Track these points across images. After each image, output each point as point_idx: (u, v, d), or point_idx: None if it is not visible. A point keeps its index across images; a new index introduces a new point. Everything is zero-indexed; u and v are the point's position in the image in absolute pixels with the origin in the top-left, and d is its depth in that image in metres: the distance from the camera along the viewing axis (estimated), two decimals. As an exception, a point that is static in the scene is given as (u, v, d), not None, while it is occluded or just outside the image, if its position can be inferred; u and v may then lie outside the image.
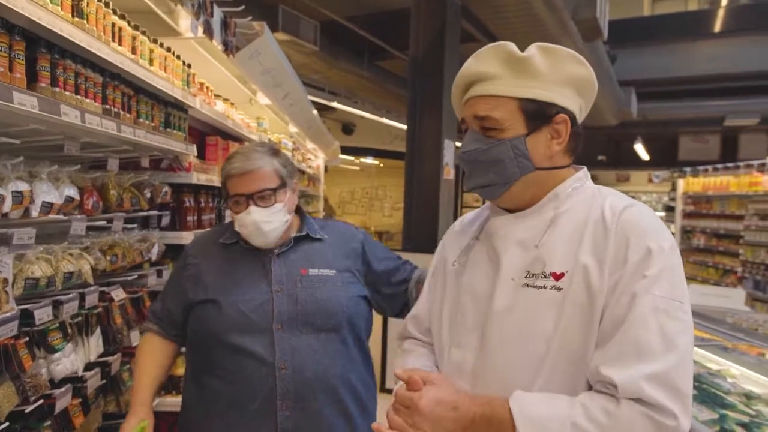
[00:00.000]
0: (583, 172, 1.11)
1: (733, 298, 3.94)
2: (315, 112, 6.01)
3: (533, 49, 1.04)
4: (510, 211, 1.10)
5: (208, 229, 2.39)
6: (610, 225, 0.96)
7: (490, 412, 0.93)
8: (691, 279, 8.09)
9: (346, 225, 1.79)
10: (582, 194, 1.06)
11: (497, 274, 1.04)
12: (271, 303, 1.51)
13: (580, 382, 0.94)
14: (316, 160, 8.13)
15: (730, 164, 8.55)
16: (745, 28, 10.51)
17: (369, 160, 13.02)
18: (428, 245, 5.00)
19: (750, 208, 7.61)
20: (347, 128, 12.03)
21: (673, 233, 3.08)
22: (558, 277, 0.97)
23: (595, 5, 5.74)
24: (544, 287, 0.97)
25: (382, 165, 13.77)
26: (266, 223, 1.52)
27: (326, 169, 10.40)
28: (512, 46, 1.04)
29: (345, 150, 11.12)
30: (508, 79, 1.03)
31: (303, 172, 6.95)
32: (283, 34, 6.10)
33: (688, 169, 9.77)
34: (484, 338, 1.02)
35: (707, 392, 1.83)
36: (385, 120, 9.89)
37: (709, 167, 9.03)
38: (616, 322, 0.91)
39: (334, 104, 8.79)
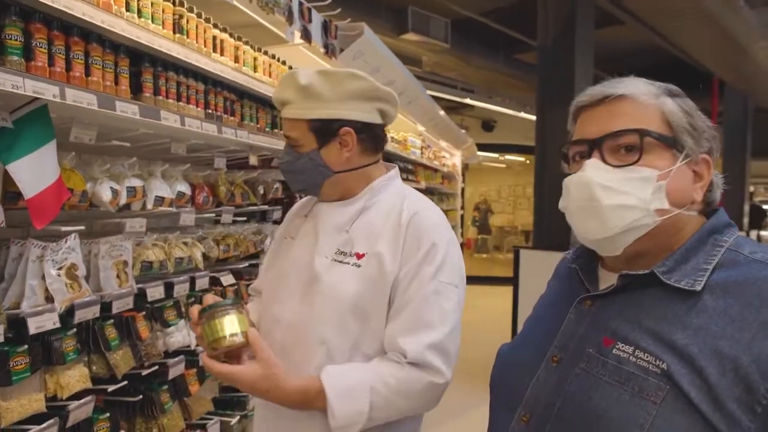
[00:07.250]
0: (394, 171, 1.35)
1: None
2: (442, 112, 6.02)
3: (314, 76, 1.19)
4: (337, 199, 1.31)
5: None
6: (404, 225, 1.20)
7: (306, 386, 1.08)
8: None
9: None
10: (390, 190, 1.30)
11: (315, 248, 1.26)
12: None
13: (364, 333, 1.18)
14: (452, 158, 8.14)
15: None
16: None
17: (512, 157, 12.68)
18: (559, 244, 4.73)
19: None
20: (487, 125, 11.82)
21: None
22: (360, 256, 1.21)
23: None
24: (348, 263, 1.21)
25: (528, 162, 13.33)
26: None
27: (467, 167, 10.33)
28: (299, 74, 1.19)
29: (487, 147, 10.91)
30: (300, 103, 1.21)
31: (436, 170, 7.01)
32: (413, 34, 6.22)
33: None
34: (302, 297, 1.23)
35: None
36: (523, 114, 9.56)
37: None
38: (408, 301, 1.15)
39: (468, 101, 8.71)
